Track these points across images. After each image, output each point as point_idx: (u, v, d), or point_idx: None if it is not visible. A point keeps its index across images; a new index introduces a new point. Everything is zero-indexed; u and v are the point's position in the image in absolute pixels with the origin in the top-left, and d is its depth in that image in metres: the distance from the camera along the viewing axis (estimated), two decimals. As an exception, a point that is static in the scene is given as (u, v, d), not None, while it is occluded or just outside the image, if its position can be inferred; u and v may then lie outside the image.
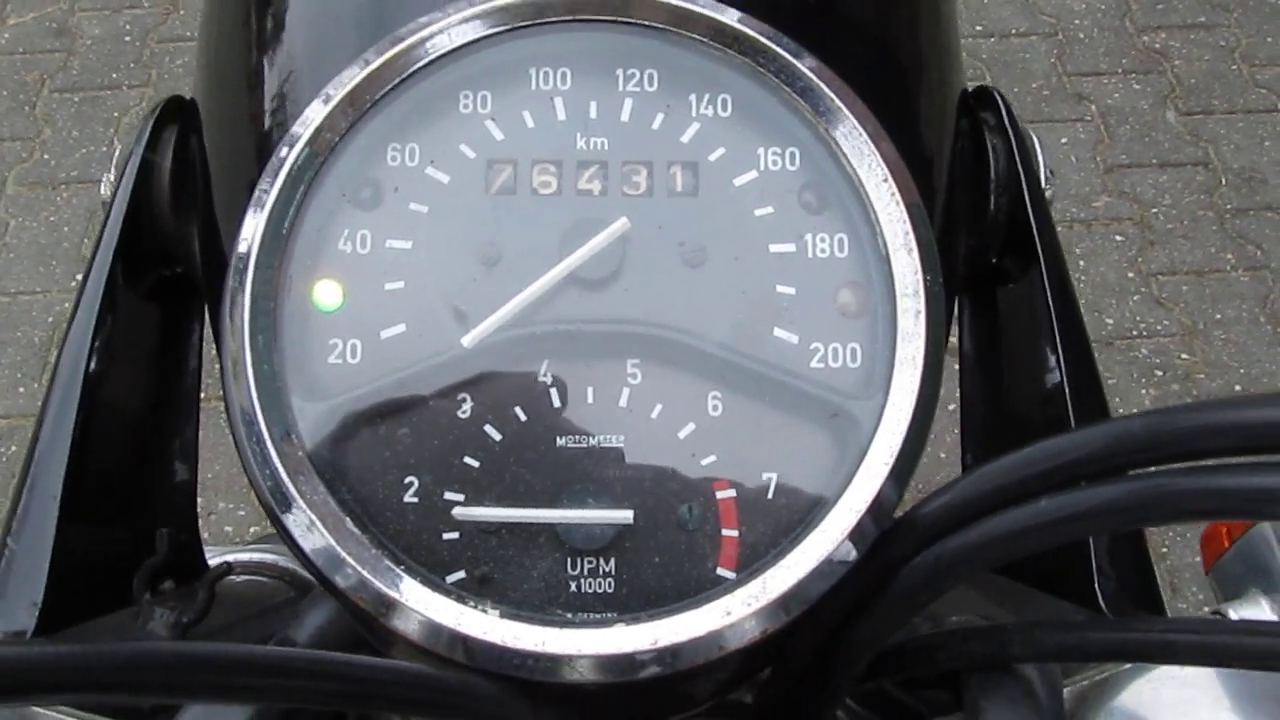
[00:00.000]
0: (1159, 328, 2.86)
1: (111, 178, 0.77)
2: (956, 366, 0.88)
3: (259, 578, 0.89)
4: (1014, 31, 3.43)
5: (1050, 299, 0.76)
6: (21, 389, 2.77)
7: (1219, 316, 2.89)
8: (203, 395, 0.85)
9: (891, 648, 0.59)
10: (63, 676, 0.39)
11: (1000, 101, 0.80)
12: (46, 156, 3.21)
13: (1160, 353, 2.82)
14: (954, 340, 0.79)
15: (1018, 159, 0.77)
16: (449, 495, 0.56)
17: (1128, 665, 0.60)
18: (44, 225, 3.07)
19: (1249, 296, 2.92)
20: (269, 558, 0.91)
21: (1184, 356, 2.82)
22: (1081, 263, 2.94)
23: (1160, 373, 2.79)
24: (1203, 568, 0.79)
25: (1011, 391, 0.86)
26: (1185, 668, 0.59)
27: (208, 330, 0.82)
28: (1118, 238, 3.01)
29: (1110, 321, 2.85)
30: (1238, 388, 2.75)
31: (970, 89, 0.82)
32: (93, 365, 0.71)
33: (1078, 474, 0.49)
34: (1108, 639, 0.53)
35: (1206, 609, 0.68)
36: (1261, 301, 2.91)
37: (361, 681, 0.47)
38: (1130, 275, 2.95)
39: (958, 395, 0.88)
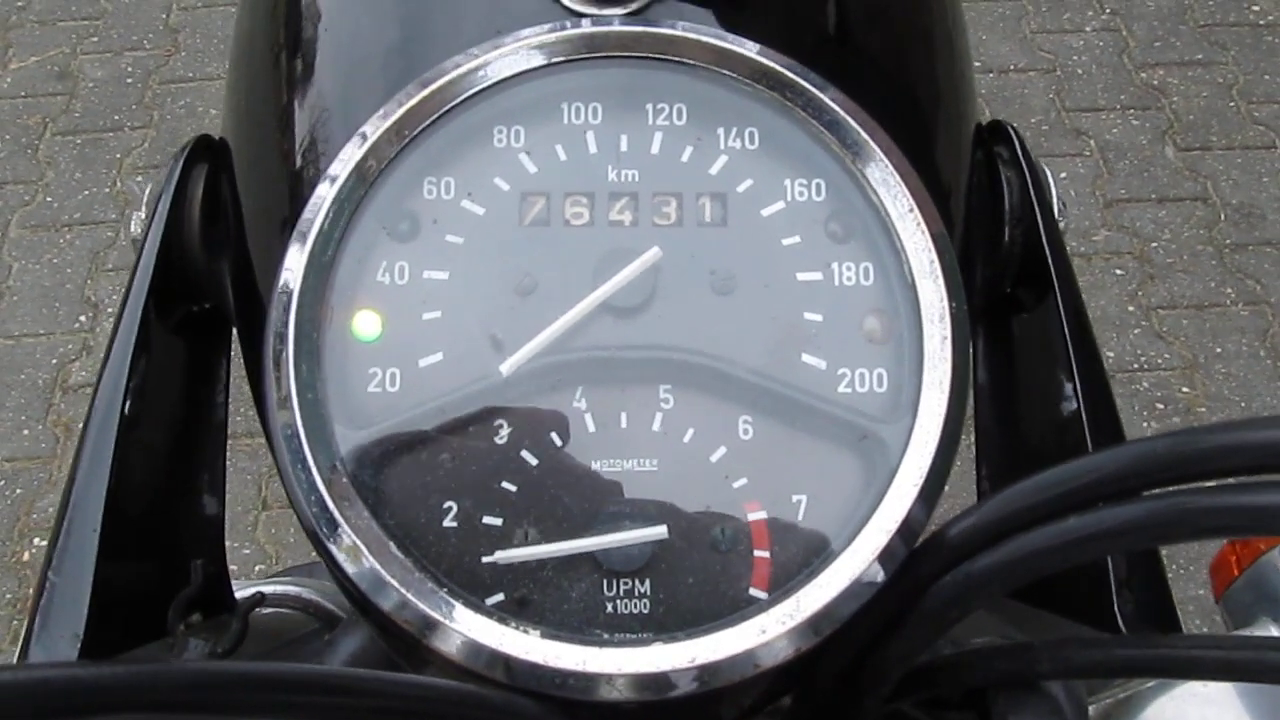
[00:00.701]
0: (1160, 361, 2.88)
1: (142, 215, 0.79)
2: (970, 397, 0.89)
3: (284, 610, 0.90)
4: (1012, 67, 3.47)
5: (1066, 327, 0.77)
6: (26, 431, 2.77)
7: (1219, 350, 2.91)
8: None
9: (919, 668, 0.60)
10: (123, 696, 0.40)
11: (1014, 135, 0.82)
12: (49, 199, 3.23)
13: (1161, 386, 2.84)
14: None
15: (1032, 191, 0.79)
16: (487, 520, 0.57)
17: (1151, 683, 0.61)
18: (47, 268, 3.08)
19: (1249, 330, 2.94)
20: (293, 590, 0.92)
21: (1185, 390, 2.84)
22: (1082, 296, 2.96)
23: (1161, 406, 2.81)
24: (1212, 597, 0.80)
25: (1027, 420, 0.88)
26: (1208, 686, 0.61)
27: (234, 366, 0.84)
28: (1118, 271, 3.04)
29: (1111, 355, 2.87)
30: (1240, 421, 2.76)
31: (984, 123, 0.84)
32: (128, 401, 0.72)
33: (1102, 494, 0.51)
34: (1133, 655, 0.54)
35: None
36: (1261, 335, 2.93)
37: (414, 699, 0.49)
38: (1131, 309, 2.97)
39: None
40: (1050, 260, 0.78)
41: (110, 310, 2.97)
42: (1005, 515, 0.53)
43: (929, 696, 0.64)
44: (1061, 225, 0.81)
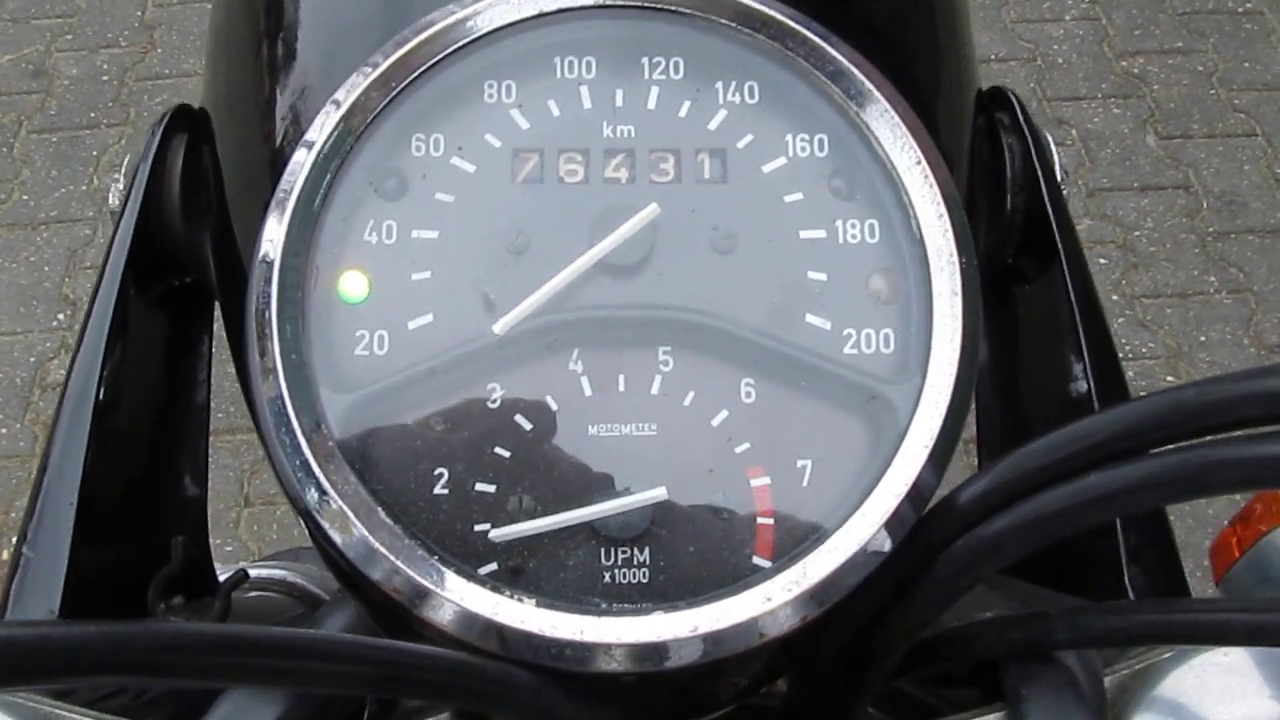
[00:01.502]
0: (1144, 350, 2.88)
1: (120, 186, 0.77)
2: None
3: (268, 594, 0.88)
4: (993, 57, 3.46)
5: (1073, 294, 0.75)
6: (4, 430, 2.74)
7: (1203, 339, 2.91)
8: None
9: (926, 641, 0.58)
10: (97, 656, 0.38)
11: (1015, 101, 0.80)
12: (25, 197, 3.20)
13: (1146, 375, 2.84)
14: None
15: (1035, 157, 0.77)
16: (480, 487, 0.55)
17: (1169, 653, 0.59)
18: (24, 266, 3.05)
19: (1232, 319, 2.94)
20: (277, 573, 0.89)
21: (1170, 379, 2.83)
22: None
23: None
24: (1202, 579, 0.79)
25: (1031, 396, 0.86)
26: (1228, 654, 0.58)
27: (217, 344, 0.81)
28: (1101, 261, 3.03)
29: (1101, 345, 2.87)
30: (1225, 409, 2.76)
31: (985, 89, 0.82)
32: (105, 374, 0.70)
33: (1116, 452, 0.49)
34: (1157, 620, 0.52)
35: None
36: (1245, 323, 2.93)
37: (403, 666, 0.46)
38: (1114, 298, 2.96)
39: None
40: (1055, 226, 0.76)
41: (88, 308, 2.95)
42: (1017, 477, 0.51)
43: (936, 671, 0.62)
44: (1065, 193, 0.79)
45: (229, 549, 2.50)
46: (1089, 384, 0.74)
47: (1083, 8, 3.60)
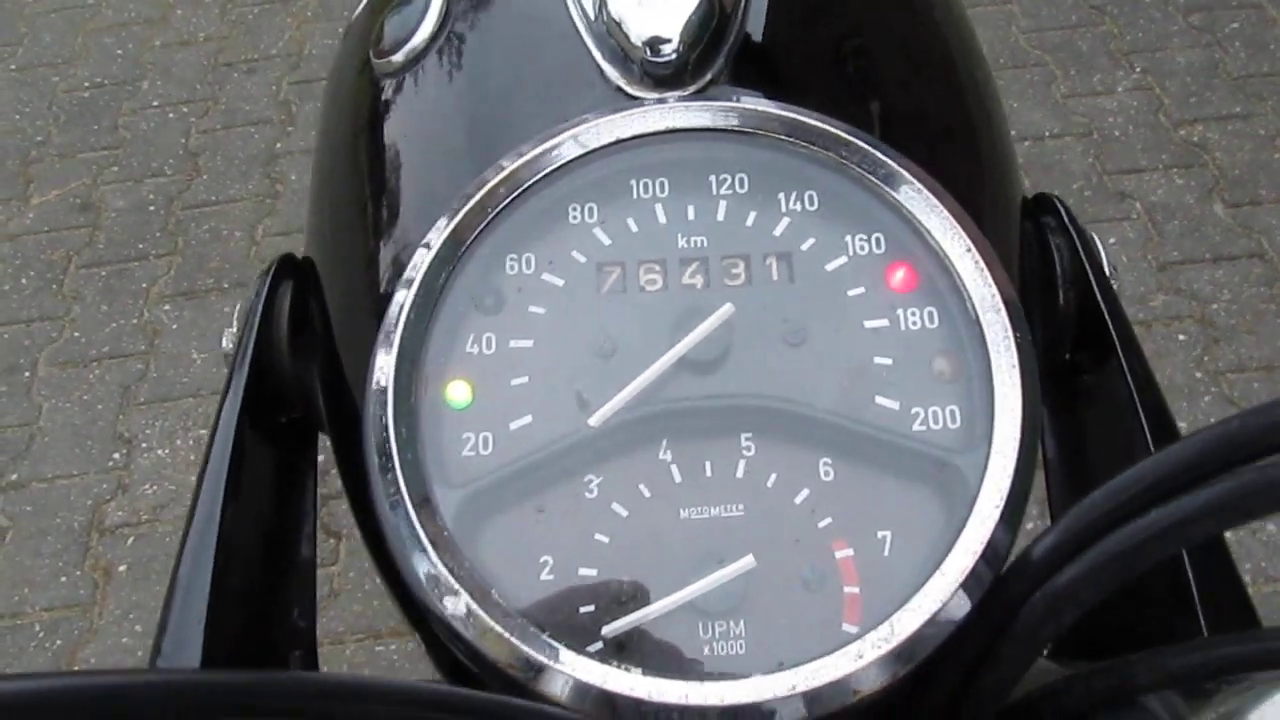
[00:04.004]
0: (1235, 428, 2.86)
1: (234, 331, 0.87)
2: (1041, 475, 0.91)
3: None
4: (1048, 134, 3.52)
5: (1133, 386, 0.81)
6: (64, 578, 2.75)
7: (1296, 411, 2.89)
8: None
9: (1017, 703, 0.64)
10: (235, 698, 0.45)
11: (1059, 205, 0.88)
12: (77, 334, 3.28)
13: (1241, 454, 2.81)
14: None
15: (1083, 254, 0.85)
16: (583, 571, 0.63)
17: (1250, 690, 0.64)
18: (78, 405, 3.11)
19: (1324, 388, 2.93)
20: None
21: (1267, 457, 2.80)
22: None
23: (1242, 474, 2.78)
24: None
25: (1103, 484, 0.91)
26: None
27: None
28: (1180, 337, 3.04)
29: (1184, 425, 2.84)
30: (1323, 481, 2.74)
31: (1030, 195, 0.90)
32: (225, 510, 0.77)
33: (1179, 486, 0.54)
34: (1231, 653, 0.56)
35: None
36: (1338, 391, 2.93)
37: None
38: (1198, 375, 2.96)
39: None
40: (1109, 319, 0.83)
41: (144, 445, 3.00)
42: (1084, 526, 0.57)
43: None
44: (1116, 287, 0.86)
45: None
46: None
47: (1134, 78, 3.66)
